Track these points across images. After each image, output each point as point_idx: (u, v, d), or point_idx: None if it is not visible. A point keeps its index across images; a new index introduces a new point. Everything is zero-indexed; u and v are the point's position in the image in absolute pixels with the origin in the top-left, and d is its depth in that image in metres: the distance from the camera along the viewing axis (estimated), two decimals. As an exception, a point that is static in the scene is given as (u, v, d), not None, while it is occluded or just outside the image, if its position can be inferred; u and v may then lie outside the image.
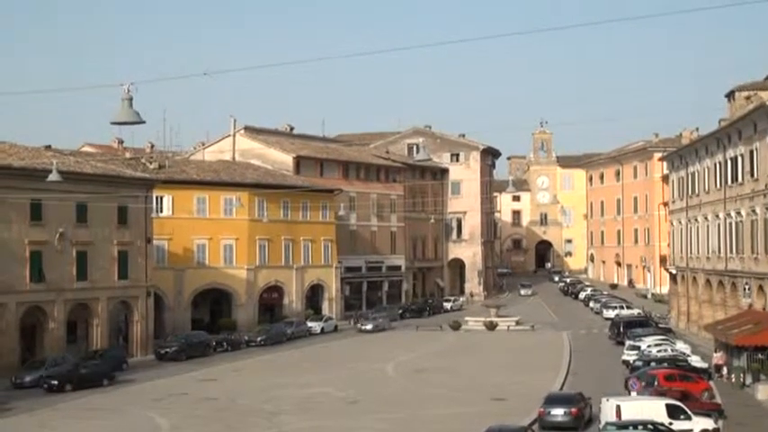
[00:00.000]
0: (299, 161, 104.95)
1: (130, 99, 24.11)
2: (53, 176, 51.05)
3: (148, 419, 49.54)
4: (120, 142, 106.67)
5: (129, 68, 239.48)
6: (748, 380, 55.03)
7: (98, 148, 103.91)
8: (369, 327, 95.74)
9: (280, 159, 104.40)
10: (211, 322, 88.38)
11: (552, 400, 47.78)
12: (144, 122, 24.64)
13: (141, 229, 77.12)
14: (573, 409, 45.67)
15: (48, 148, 79.82)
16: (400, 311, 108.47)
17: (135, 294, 76.46)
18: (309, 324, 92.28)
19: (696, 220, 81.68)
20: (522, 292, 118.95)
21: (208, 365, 70.80)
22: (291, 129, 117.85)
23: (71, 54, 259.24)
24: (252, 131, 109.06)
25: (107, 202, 73.56)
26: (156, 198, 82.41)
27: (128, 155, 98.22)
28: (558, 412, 45.74)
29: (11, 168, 67.04)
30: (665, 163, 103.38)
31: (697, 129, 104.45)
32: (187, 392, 58.32)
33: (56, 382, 60.03)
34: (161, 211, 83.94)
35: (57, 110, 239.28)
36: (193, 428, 47.30)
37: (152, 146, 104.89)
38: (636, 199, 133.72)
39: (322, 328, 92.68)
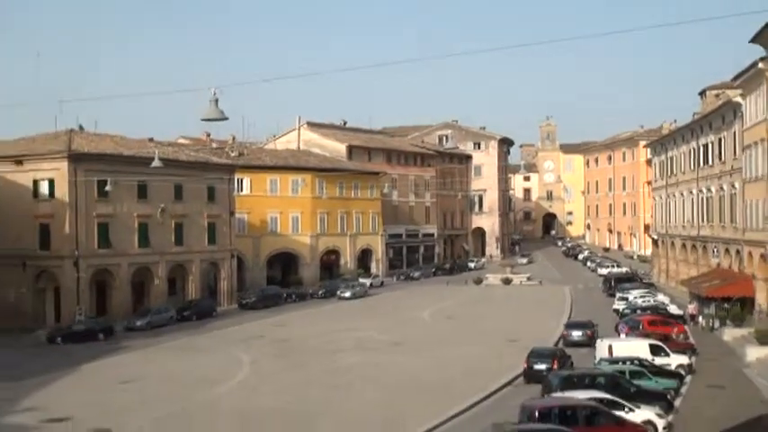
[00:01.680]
0: (350, 149, 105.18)
1: (216, 100, 24.39)
2: (155, 163, 51.57)
3: (233, 356, 50.17)
4: (208, 135, 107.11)
5: (215, 72, 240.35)
6: (716, 325, 54.88)
7: (191, 139, 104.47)
8: (416, 274, 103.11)
9: (335, 148, 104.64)
10: (282, 279, 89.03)
11: (571, 326, 55.00)
12: (227, 119, 24.88)
13: (226, 205, 77.86)
14: (588, 332, 51.78)
15: (150, 140, 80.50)
16: (433, 270, 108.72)
17: (221, 257, 77.26)
18: (361, 280, 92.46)
19: (674, 195, 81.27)
20: (520, 260, 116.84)
21: (279, 313, 71.44)
22: (345, 123, 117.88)
23: (171, 58, 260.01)
24: (313, 126, 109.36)
25: (198, 183, 74.41)
26: (237, 180, 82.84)
27: (214, 145, 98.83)
28: (577, 333, 52.20)
29: (122, 156, 67.98)
30: (648, 149, 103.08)
31: (675, 121, 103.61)
32: (263, 335, 58.95)
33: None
34: (241, 191, 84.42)
35: (157, 108, 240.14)
36: (269, 363, 47.85)
37: (233, 138, 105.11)
38: (624, 179, 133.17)
39: (371, 283, 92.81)
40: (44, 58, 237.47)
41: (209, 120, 24.82)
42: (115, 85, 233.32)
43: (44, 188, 64.47)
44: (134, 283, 68.82)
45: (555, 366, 39.99)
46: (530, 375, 40.39)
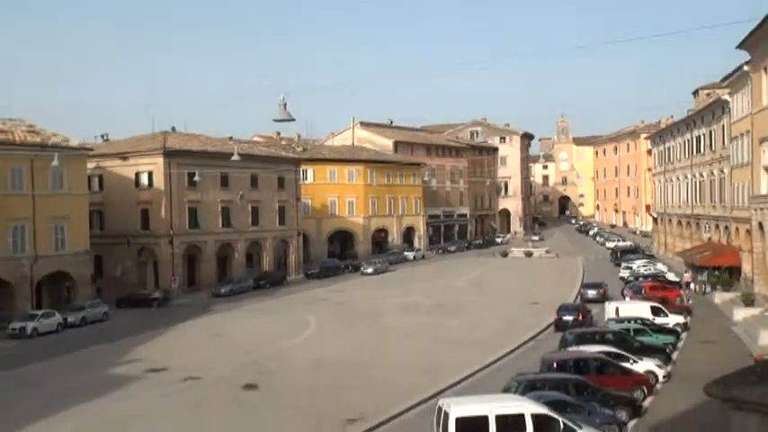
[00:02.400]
0: (396, 144, 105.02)
1: (285, 104, 24.41)
2: (235, 157, 51.95)
3: (301, 316, 50.55)
4: (278, 134, 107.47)
5: (283, 80, 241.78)
6: (708, 289, 54.24)
7: (263, 137, 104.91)
8: (452, 248, 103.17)
9: (383, 143, 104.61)
10: (340, 253, 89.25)
11: (587, 286, 56.70)
12: (294, 120, 24.91)
13: (293, 192, 78.22)
14: (600, 291, 53.72)
15: (230, 138, 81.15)
16: (466, 245, 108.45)
17: (290, 235, 77.69)
18: (405, 253, 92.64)
19: (671, 180, 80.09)
20: (533, 238, 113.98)
21: (338, 282, 71.70)
22: (391, 122, 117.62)
23: (247, 68, 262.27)
24: (364, 125, 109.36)
25: (270, 174, 74.84)
26: (302, 171, 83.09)
27: (283, 142, 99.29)
28: (592, 292, 53.89)
29: (207, 152, 68.71)
30: (648, 141, 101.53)
31: (672, 116, 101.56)
32: (325, 299, 59.26)
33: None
34: (306, 180, 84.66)
35: (236, 111, 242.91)
36: (330, 322, 48.18)
37: (299, 136, 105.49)
38: (628, 166, 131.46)
39: (414, 256, 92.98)
40: (142, 69, 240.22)
41: (279, 121, 24.89)
42: (201, 91, 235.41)
43: (144, 179, 65.36)
44: (218, 257, 69.63)
45: (580, 318, 42.17)
46: (559, 325, 41.94)
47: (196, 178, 65.88)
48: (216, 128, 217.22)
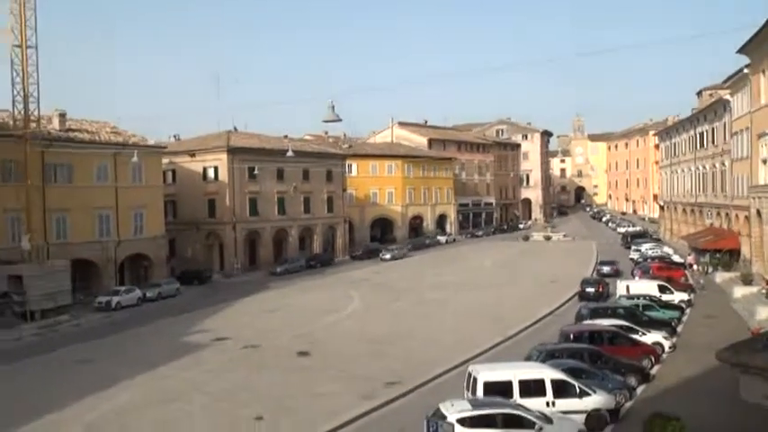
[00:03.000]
0: (430, 142, 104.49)
1: (333, 107, 24.55)
2: (289, 153, 52.49)
3: (346, 292, 50.79)
4: (326, 132, 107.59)
5: (330, 83, 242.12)
6: (710, 270, 53.27)
7: (313, 136, 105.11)
8: (479, 233, 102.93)
9: (419, 141, 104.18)
10: (381, 237, 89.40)
11: (603, 263, 57.95)
12: (340, 120, 25.03)
13: (339, 183, 78.40)
14: (614, 267, 55.45)
15: (285, 137, 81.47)
16: (492, 230, 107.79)
17: (337, 221, 77.95)
18: (438, 238, 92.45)
19: (676, 172, 78.63)
20: (544, 225, 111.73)
21: (379, 263, 71.89)
22: (426, 122, 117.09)
23: (299, 74, 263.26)
24: (402, 124, 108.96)
25: (320, 168, 75.14)
26: (348, 165, 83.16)
27: (330, 140, 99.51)
28: (607, 268, 55.43)
29: (265, 149, 69.13)
30: (656, 137, 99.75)
31: (677, 115, 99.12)
32: (367, 278, 59.38)
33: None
34: (351, 173, 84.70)
35: (290, 112, 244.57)
36: (372, 296, 48.31)
37: (344, 134, 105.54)
38: (638, 160, 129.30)
39: (446, 240, 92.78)
40: (208, 75, 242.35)
41: (328, 121, 25.04)
42: (259, 95, 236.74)
43: (211, 173, 66.00)
44: (275, 240, 70.15)
45: (600, 289, 44.18)
46: (582, 295, 44.04)
47: (255, 172, 66.63)
48: (272, 127, 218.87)
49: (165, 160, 62.93)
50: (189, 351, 33.21)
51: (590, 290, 44.16)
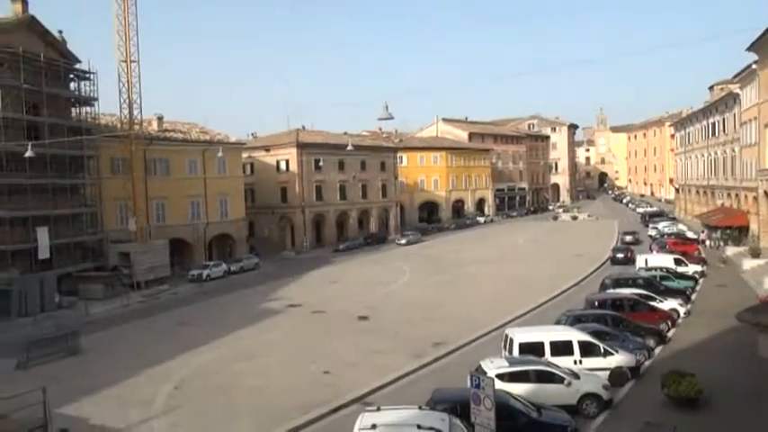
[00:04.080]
0: (470, 135, 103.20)
1: (386, 106, 24.46)
2: (349, 147, 52.34)
3: (398, 266, 50.86)
4: (380, 129, 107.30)
5: (383, 86, 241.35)
6: (721, 245, 51.45)
7: (369, 132, 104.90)
8: (514, 214, 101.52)
9: (460, 134, 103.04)
10: (428, 218, 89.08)
11: (626, 233, 58.80)
12: (392, 118, 24.93)
13: (392, 173, 78.12)
14: (636, 236, 57.47)
15: (345, 133, 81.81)
16: (525, 211, 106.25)
17: (390, 205, 77.82)
18: (478, 218, 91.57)
19: (690, 158, 75.91)
20: (558, 208, 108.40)
21: (427, 240, 71.48)
22: (466, 118, 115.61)
23: (357, 77, 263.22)
24: (445, 120, 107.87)
25: (375, 160, 75.04)
26: (399, 157, 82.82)
27: (384, 135, 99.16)
28: (629, 237, 57.07)
29: (328, 144, 69.30)
30: (672, 127, 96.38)
31: (691, 107, 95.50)
32: (417, 253, 59.38)
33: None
34: (401, 163, 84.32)
35: (349, 112, 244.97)
36: (421, 270, 48.19)
37: (396, 130, 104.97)
38: (655, 148, 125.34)
39: (484, 220, 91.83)
40: (279, 80, 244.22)
41: (382, 119, 24.99)
42: (323, 96, 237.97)
43: (283, 165, 66.67)
44: (337, 222, 70.52)
45: (628, 255, 46.09)
46: (613, 260, 46.71)
47: (320, 163, 67.06)
48: (334, 125, 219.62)
49: (244, 155, 63.85)
50: (266, 316, 33.83)
51: (620, 255, 46.74)
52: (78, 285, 41.27)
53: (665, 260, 38.81)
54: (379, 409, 14.71)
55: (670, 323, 26.81)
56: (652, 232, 60.99)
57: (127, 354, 26.94)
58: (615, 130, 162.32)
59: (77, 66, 44.26)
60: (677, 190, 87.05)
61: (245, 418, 18.61)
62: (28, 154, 31.80)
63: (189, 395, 21.01)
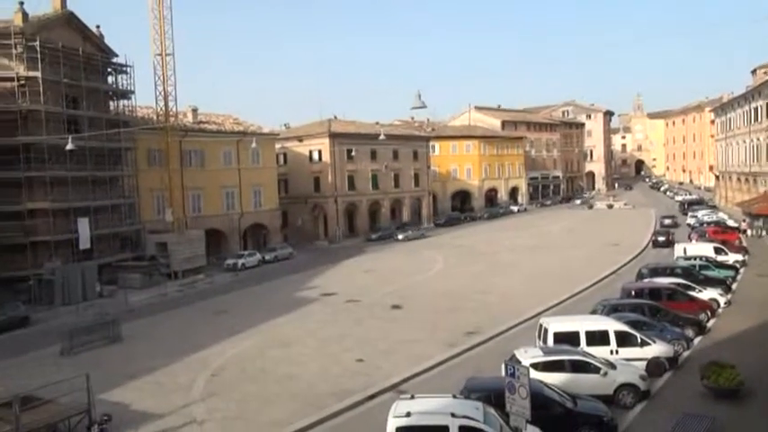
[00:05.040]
0: (503, 123, 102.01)
1: (419, 95, 24.37)
2: (381, 137, 52.39)
3: (431, 255, 50.82)
4: (412, 118, 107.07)
5: (416, 74, 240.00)
6: (763, 233, 50.08)
7: (401, 121, 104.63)
8: (548, 203, 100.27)
9: (493, 122, 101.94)
10: (460, 207, 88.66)
11: (664, 216, 61.87)
12: (426, 107, 24.86)
13: (424, 162, 77.80)
14: (674, 220, 60.32)
15: (377, 122, 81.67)
16: (559, 200, 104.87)
17: (422, 194, 77.62)
18: (511, 207, 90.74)
19: (731, 144, 73.91)
20: (583, 199, 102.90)
21: (459, 230, 71.29)
22: (499, 106, 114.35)
23: (388, 67, 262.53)
24: (478, 108, 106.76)
25: (407, 149, 74.82)
26: (431, 145, 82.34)
27: (416, 124, 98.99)
28: (668, 221, 59.70)
29: (360, 134, 69.28)
30: (712, 113, 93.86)
31: (732, 92, 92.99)
32: (449, 242, 59.23)
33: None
34: (434, 152, 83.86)
35: (381, 100, 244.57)
36: (454, 259, 48.09)
37: (428, 119, 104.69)
38: (694, 134, 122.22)
39: (518, 209, 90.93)
40: (313, 72, 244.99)
41: (415, 108, 24.93)
42: (355, 84, 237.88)
43: (315, 155, 66.98)
44: (370, 211, 70.66)
45: (669, 238, 47.91)
46: (655, 243, 48.69)
47: (353, 153, 67.21)
48: (366, 114, 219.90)
49: (277, 145, 64.34)
50: (301, 304, 34.18)
51: (661, 239, 48.60)
52: (118, 275, 42.31)
53: (705, 249, 37.93)
54: (413, 398, 14.78)
55: (709, 313, 26.25)
56: (691, 221, 59.65)
57: (165, 341, 27.56)
58: (652, 116, 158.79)
59: (114, 60, 45.19)
60: (717, 177, 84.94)
61: (281, 405, 18.90)
62: (69, 147, 32.63)
63: (226, 382, 21.42)
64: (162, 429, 17.45)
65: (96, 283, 39.43)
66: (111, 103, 45.92)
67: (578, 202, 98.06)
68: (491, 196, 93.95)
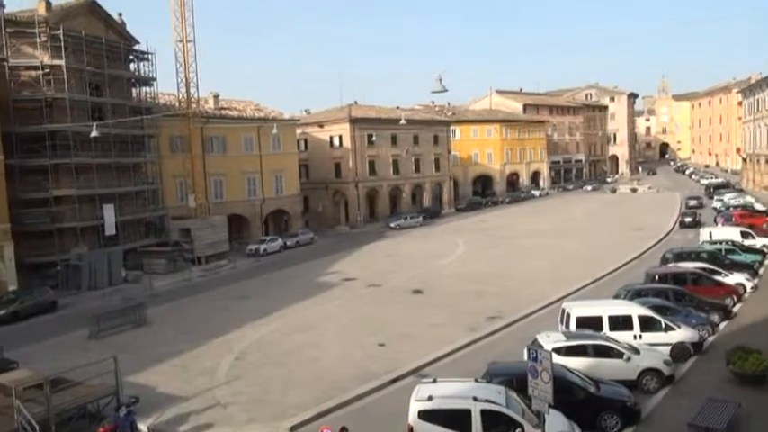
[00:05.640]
0: (525, 107, 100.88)
1: (440, 79, 24.22)
2: (402, 122, 52.34)
3: (452, 240, 50.72)
4: (432, 102, 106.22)
5: (434, 60, 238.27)
6: (792, 217, 48.99)
7: (422, 105, 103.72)
8: (570, 187, 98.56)
9: (515, 106, 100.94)
10: (482, 192, 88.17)
11: (690, 198, 63.37)
12: (447, 91, 24.69)
13: (445, 146, 77.40)
14: (699, 201, 61.78)
15: (397, 107, 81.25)
16: (582, 184, 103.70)
17: (443, 179, 77.31)
18: (533, 192, 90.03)
19: (759, 126, 72.27)
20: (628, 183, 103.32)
21: (480, 214, 70.97)
22: (521, 89, 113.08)
23: (408, 49, 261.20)
24: (499, 92, 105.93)
25: (428, 133, 74.44)
26: (452, 130, 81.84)
27: (436, 109, 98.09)
28: (693, 202, 61.47)
29: (381, 119, 69.14)
30: (740, 94, 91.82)
31: (761, 73, 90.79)
32: (471, 227, 59.00)
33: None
34: (455, 137, 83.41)
35: (403, 85, 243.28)
36: (474, 243, 47.92)
37: (448, 103, 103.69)
38: (721, 116, 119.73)
39: (539, 194, 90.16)
40: (333, 58, 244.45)
41: (435, 92, 24.78)
42: (375, 70, 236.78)
43: (336, 141, 66.96)
44: (390, 196, 70.58)
45: (696, 219, 49.36)
46: (682, 224, 50.02)
47: (373, 138, 67.10)
48: (386, 99, 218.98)
49: (298, 131, 64.48)
50: (322, 289, 34.40)
51: (688, 219, 49.84)
52: (142, 260, 42.94)
53: (731, 233, 37.26)
54: (435, 381, 14.85)
55: (735, 298, 25.88)
56: (717, 204, 58.57)
57: (190, 325, 27.97)
58: (678, 98, 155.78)
59: (136, 47, 45.53)
60: (744, 160, 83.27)
61: (303, 388, 19.11)
62: (93, 134, 33.08)
63: (249, 365, 21.70)
64: (187, 412, 17.76)
65: (122, 269, 40.09)
66: (133, 90, 46.33)
67: (589, 188, 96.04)
68: (512, 181, 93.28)
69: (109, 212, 40.73)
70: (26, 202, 37.60)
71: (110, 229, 40.84)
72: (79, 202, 39.11)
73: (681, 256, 31.01)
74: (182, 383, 20.14)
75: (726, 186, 74.89)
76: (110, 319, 27.54)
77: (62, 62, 38.11)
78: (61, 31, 38.00)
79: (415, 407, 13.72)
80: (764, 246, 36.66)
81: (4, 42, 37.12)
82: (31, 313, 31.74)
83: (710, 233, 37.40)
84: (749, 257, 32.66)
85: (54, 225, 38.24)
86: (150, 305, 30.93)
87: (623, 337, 19.14)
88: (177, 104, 48.01)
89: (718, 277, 26.98)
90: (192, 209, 48.21)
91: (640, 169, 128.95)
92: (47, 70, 38.16)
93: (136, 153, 44.86)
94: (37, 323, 30.65)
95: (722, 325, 23.03)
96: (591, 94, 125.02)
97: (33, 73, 38.14)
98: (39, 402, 16.22)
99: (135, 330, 27.56)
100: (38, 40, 38.08)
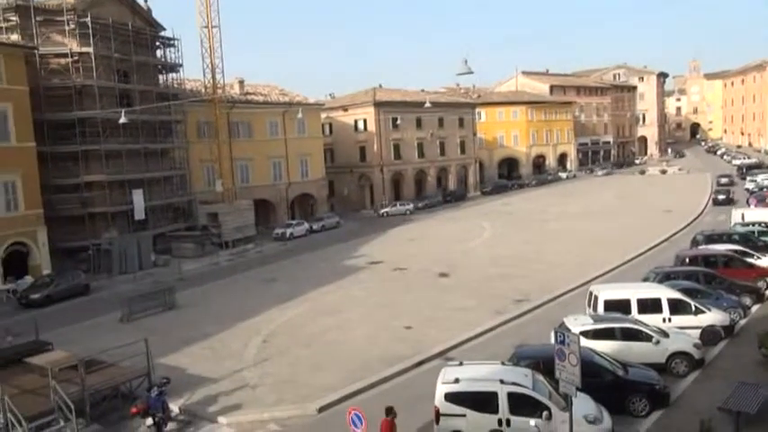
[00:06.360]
0: (552, 88, 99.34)
1: (466, 61, 24.02)
2: (426, 105, 52.03)
3: (478, 223, 50.44)
4: (457, 84, 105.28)
5: (462, 41, 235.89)
6: (829, 197, 47.62)
7: (447, 88, 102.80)
8: (597, 170, 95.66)
9: (541, 87, 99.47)
10: (508, 174, 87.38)
11: (721, 176, 63.71)
12: (472, 72, 24.51)
13: (470, 129, 76.84)
14: (730, 179, 62.13)
15: (422, 90, 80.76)
16: (610, 166, 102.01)
17: (469, 162, 76.83)
18: (560, 174, 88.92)
19: (795, 104, 70.39)
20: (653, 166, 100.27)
21: (506, 197, 70.36)
22: (547, 70, 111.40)
23: (434, 32, 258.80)
24: (525, 73, 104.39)
25: (453, 116, 73.94)
26: (477, 112, 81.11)
27: (462, 91, 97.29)
28: (724, 180, 61.80)
29: (406, 102, 68.66)
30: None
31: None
32: (497, 210, 58.59)
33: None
34: (480, 119, 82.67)
35: (426, 68, 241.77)
36: (501, 227, 47.61)
37: (473, 85, 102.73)
38: (754, 95, 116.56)
39: (566, 176, 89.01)
40: (357, 42, 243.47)
41: (461, 74, 24.64)
42: (400, 52, 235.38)
43: (360, 125, 66.84)
44: (415, 180, 70.36)
45: (729, 196, 49.92)
46: (715, 201, 50.67)
47: (398, 122, 66.77)
48: (411, 82, 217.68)
49: (323, 115, 64.48)
50: (349, 272, 34.58)
51: (721, 197, 50.24)
52: (171, 244, 43.59)
53: (765, 214, 36.37)
54: (461, 364, 14.86)
55: (769, 281, 25.39)
56: (750, 185, 57.23)
57: (218, 309, 28.38)
58: (709, 77, 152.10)
59: (162, 33, 45.84)
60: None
61: (330, 371, 19.29)
62: (122, 120, 33.51)
63: (277, 348, 21.97)
64: (217, 393, 18.08)
65: (151, 253, 40.74)
66: (160, 76, 46.74)
67: (600, 173, 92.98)
68: (539, 163, 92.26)
69: (138, 197, 41.36)
70: (58, 187, 38.37)
71: (139, 214, 41.50)
72: (109, 188, 39.79)
73: (712, 239, 30.40)
74: (211, 365, 20.49)
75: (759, 167, 73.13)
76: (140, 302, 28.08)
77: (90, 49, 38.58)
78: (89, 18, 38.43)
79: (441, 389, 13.77)
80: (800, 227, 35.80)
81: (34, 31, 37.70)
82: (65, 297, 32.47)
83: (743, 214, 36.50)
84: (783, 239, 31.93)
85: (85, 210, 39.00)
86: (179, 289, 31.41)
87: (652, 320, 18.93)
88: (203, 90, 48.33)
89: (750, 259, 26.44)
90: (219, 193, 48.69)
91: (669, 150, 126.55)
92: (75, 58, 38.69)
93: (164, 139, 45.39)
94: (70, 306, 31.38)
95: (754, 308, 22.64)
96: (619, 75, 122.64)
97: (63, 60, 38.70)
98: (74, 383, 16.64)
99: (165, 313, 28.06)
100: (66, 27, 38.57)
